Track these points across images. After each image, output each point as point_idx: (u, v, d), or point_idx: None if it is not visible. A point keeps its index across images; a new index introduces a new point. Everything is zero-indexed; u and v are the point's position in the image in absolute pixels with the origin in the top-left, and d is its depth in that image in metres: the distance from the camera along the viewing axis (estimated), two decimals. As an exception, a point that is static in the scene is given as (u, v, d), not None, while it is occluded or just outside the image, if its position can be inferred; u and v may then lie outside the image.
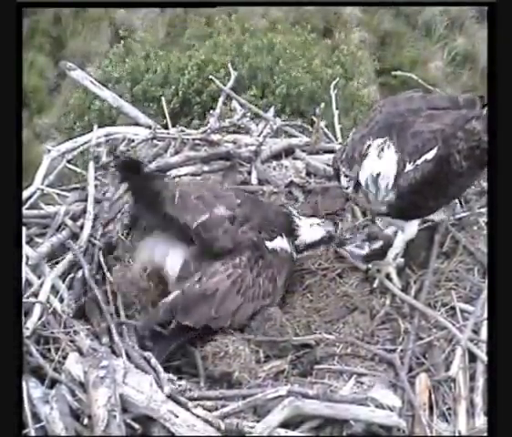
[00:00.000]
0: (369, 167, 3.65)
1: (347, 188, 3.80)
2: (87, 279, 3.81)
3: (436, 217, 4.15)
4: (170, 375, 3.45)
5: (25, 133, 8.67)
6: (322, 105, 5.18)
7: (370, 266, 4.04)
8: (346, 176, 3.76)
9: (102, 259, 3.96)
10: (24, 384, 3.37)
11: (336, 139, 5.25)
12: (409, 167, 3.66)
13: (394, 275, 3.96)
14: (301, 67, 8.07)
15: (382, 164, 3.64)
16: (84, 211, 4.25)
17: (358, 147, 3.73)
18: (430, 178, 3.67)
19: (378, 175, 3.63)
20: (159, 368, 3.45)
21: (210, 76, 6.33)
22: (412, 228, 3.95)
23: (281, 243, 3.98)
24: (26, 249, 3.97)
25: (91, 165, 4.55)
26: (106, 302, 3.77)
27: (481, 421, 3.36)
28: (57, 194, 4.58)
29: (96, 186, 4.47)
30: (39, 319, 3.62)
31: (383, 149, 3.65)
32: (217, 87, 6.20)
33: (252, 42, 8.23)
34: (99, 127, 5.11)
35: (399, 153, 3.66)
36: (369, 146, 3.67)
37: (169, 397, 3.29)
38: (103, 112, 7.64)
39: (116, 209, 4.30)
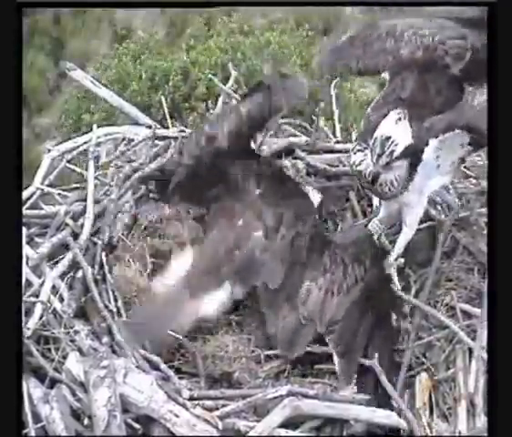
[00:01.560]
0: (382, 129, 3.61)
1: (358, 165, 3.72)
2: (87, 278, 3.81)
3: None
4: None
5: (25, 133, 8.65)
6: (322, 104, 5.18)
7: None
8: (359, 150, 3.71)
9: (104, 259, 3.95)
10: (24, 384, 3.37)
11: (336, 139, 5.24)
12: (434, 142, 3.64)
13: (394, 276, 3.96)
14: (298, 66, 8.03)
15: (396, 130, 3.60)
16: (84, 211, 4.24)
17: (373, 119, 3.73)
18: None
19: (388, 138, 3.57)
20: (171, 373, 3.47)
21: (210, 76, 6.31)
22: (412, 227, 3.95)
23: None
24: (27, 249, 3.97)
25: (91, 164, 4.54)
26: (106, 302, 3.77)
27: (481, 422, 3.37)
28: (58, 194, 4.58)
29: (95, 185, 4.47)
30: (40, 318, 3.62)
31: (400, 119, 3.62)
32: (205, 90, 6.14)
33: (249, 41, 8.16)
34: (99, 126, 5.12)
35: (415, 128, 3.63)
36: (386, 114, 3.66)
37: (170, 397, 3.30)
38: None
39: (116, 209, 4.30)
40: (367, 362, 3.54)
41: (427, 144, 3.64)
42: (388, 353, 3.65)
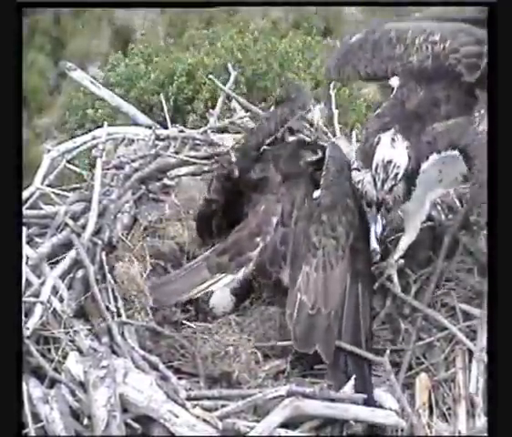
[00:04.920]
0: (381, 154, 3.54)
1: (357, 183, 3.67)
2: (90, 277, 3.81)
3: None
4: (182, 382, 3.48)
5: (25, 133, 8.65)
6: (322, 104, 5.17)
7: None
8: (358, 169, 3.65)
9: (104, 259, 3.95)
10: (24, 384, 3.37)
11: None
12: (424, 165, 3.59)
13: (395, 277, 3.96)
14: (300, 69, 8.02)
15: (394, 153, 3.54)
16: (84, 211, 4.25)
17: (370, 140, 3.65)
18: None
19: (389, 162, 3.52)
20: (169, 373, 3.46)
21: (210, 77, 6.31)
22: (415, 229, 3.94)
23: None
24: (27, 249, 3.97)
25: (99, 162, 4.53)
26: (106, 302, 3.77)
27: (481, 422, 3.37)
28: (57, 194, 4.58)
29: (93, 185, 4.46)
30: (40, 318, 3.62)
31: (394, 139, 3.55)
32: (209, 93, 6.14)
33: (253, 44, 8.14)
34: (99, 126, 5.13)
35: (410, 148, 3.57)
36: (380, 137, 3.58)
37: (169, 397, 3.30)
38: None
39: (116, 209, 4.30)
40: (377, 359, 3.54)
41: (427, 158, 3.59)
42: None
